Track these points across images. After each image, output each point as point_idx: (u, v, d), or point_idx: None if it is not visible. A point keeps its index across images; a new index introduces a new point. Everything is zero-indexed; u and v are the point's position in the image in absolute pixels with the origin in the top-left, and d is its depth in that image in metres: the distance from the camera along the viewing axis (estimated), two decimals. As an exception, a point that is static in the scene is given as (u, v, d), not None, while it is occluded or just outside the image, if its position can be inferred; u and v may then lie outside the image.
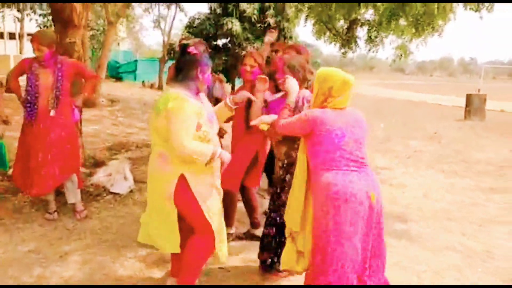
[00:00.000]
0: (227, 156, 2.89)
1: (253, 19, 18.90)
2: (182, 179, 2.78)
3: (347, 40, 7.11)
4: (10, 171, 4.79)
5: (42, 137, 4.21)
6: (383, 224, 2.87)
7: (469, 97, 15.12)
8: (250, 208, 4.29)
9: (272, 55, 5.01)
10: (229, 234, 4.46)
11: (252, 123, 3.31)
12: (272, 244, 3.45)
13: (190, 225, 2.93)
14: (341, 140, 2.72)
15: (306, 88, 3.41)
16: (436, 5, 5.23)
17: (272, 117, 3.20)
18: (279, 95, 3.55)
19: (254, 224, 4.31)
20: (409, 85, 45.98)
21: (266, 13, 18.72)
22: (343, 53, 7.44)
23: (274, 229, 3.43)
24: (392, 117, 15.09)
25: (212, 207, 2.87)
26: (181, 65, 2.84)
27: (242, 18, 18.78)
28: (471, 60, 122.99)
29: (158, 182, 2.83)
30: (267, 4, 18.52)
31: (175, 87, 2.79)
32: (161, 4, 22.38)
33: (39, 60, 4.20)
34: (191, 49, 2.79)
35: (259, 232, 4.02)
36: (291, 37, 19.65)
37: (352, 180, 2.67)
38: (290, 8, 18.37)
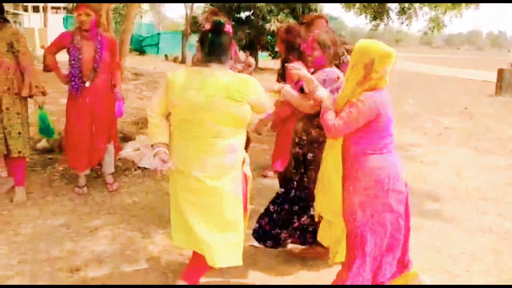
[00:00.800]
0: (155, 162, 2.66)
1: (277, -9, 18.49)
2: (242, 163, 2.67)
3: (378, 11, 6.83)
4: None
5: (89, 110, 4.21)
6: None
7: (500, 72, 14.59)
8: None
9: (301, 28, 4.85)
10: None
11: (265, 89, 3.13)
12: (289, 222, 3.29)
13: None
14: (391, 124, 2.61)
15: (338, 65, 3.25)
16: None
17: (281, 86, 3.07)
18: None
19: None
20: (436, 59, 44.85)
21: (291, -16, 18.28)
22: (374, 26, 7.17)
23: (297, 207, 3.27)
24: (420, 92, 14.70)
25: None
26: (219, 45, 2.53)
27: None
28: (500, 33, 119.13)
29: (231, 177, 2.56)
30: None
31: (223, 69, 2.54)
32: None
33: (82, 30, 4.12)
34: (227, 28, 2.58)
35: None
36: (315, 10, 19.19)
37: (396, 162, 2.61)
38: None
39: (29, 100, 4.13)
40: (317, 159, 3.14)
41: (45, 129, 4.25)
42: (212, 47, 2.52)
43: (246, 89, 2.48)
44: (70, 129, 4.32)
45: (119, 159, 5.08)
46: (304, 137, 3.20)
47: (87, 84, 4.13)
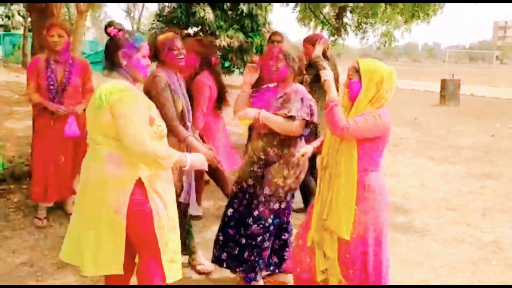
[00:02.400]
0: (200, 160, 2.51)
1: (225, 7, 18.51)
2: (139, 184, 2.31)
3: (336, 27, 6.91)
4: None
5: (59, 137, 3.94)
6: None
7: (443, 82, 15.25)
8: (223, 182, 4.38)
9: (274, 45, 4.79)
10: (197, 216, 4.36)
11: (236, 116, 3.04)
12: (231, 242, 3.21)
13: (133, 240, 2.43)
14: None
15: (301, 82, 3.21)
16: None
17: (256, 112, 2.96)
18: (271, 85, 3.24)
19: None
20: (377, 71, 46.47)
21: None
22: (332, 41, 7.25)
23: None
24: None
25: (164, 221, 2.40)
26: (105, 51, 2.38)
27: (214, 5, 18.35)
28: (435, 44, 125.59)
29: (107, 190, 2.28)
30: (239, -10, 18.15)
31: (112, 76, 2.35)
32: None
33: (55, 54, 3.89)
34: (110, 30, 2.34)
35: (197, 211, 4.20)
36: (264, 24, 19.37)
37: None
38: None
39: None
40: (271, 181, 3.06)
41: None
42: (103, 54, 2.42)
43: (109, 96, 2.23)
44: (38, 156, 4.03)
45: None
46: (263, 157, 3.11)
47: (69, 119, 3.92)
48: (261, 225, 3.04)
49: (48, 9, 4.99)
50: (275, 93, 3.09)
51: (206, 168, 2.61)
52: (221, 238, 3.25)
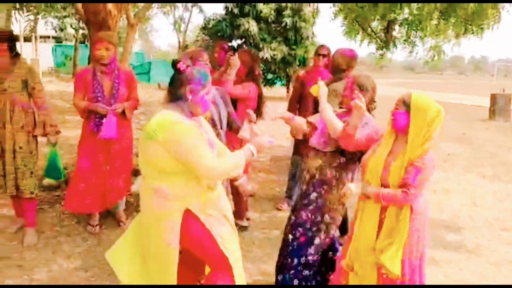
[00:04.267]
0: (263, 142, 2.59)
1: (269, 20, 18.68)
2: (188, 214, 2.40)
3: (385, 41, 6.83)
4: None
5: (105, 148, 4.03)
6: None
7: (493, 97, 14.77)
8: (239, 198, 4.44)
9: (319, 59, 4.81)
10: (243, 227, 4.41)
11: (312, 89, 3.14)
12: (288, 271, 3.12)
13: (204, 262, 2.62)
14: None
15: (369, 110, 3.17)
16: (490, 5, 4.97)
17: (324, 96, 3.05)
18: (340, 111, 3.23)
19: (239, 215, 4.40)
20: (421, 84, 45.42)
21: (283, 13, 18.48)
22: (380, 55, 7.16)
23: (289, 256, 3.12)
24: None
25: (225, 236, 2.50)
26: (170, 83, 2.47)
27: (258, 18, 18.55)
28: (482, 58, 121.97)
29: (157, 224, 2.40)
30: (283, 4, 18.28)
31: (170, 107, 2.41)
32: (181, 4, 22.22)
33: (102, 65, 3.96)
34: (180, 65, 2.43)
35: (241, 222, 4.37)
36: (307, 37, 19.40)
37: None
38: (306, 7, 18.25)
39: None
40: (320, 201, 3.04)
41: (54, 170, 4.09)
42: (168, 85, 2.49)
43: (160, 130, 2.28)
44: (82, 166, 4.11)
45: (130, 194, 4.88)
46: (317, 176, 3.07)
47: (108, 115, 3.94)
48: (322, 254, 3.04)
49: (105, 22, 5.17)
50: (342, 117, 3.04)
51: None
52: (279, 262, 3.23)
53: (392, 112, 2.59)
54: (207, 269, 2.72)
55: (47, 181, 5.12)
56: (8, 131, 3.74)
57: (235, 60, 3.90)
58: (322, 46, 5.10)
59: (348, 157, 2.99)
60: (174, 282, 2.46)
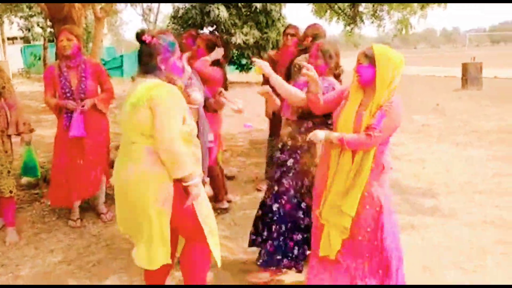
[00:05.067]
0: (198, 192, 2.47)
1: (239, 4, 18.57)
2: (176, 180, 2.42)
3: (351, 17, 6.89)
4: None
5: (80, 143, 4.03)
6: None
7: (465, 66, 15.03)
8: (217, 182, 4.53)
9: (287, 38, 4.85)
10: (224, 209, 4.52)
11: (256, 63, 3.05)
12: (277, 238, 3.16)
13: (182, 232, 2.66)
14: None
15: (336, 75, 3.23)
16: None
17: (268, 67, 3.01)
18: (302, 79, 3.28)
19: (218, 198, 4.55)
20: (396, 60, 45.91)
21: (253, -4, 18.38)
22: (348, 32, 7.23)
23: (277, 224, 3.17)
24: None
25: (204, 208, 2.56)
26: (139, 56, 2.50)
27: (228, 4, 18.43)
28: (454, 29, 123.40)
29: (151, 186, 2.39)
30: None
31: (147, 77, 2.45)
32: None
33: (66, 59, 3.94)
34: (145, 37, 2.45)
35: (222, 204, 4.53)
36: (278, 19, 19.38)
37: None
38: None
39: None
40: (297, 166, 3.12)
41: (30, 168, 4.10)
42: (138, 60, 2.52)
43: (147, 92, 2.35)
44: (58, 162, 4.13)
45: (109, 186, 4.89)
46: (289, 142, 3.16)
47: (74, 114, 3.95)
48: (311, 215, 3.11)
49: (69, 18, 5.13)
50: (305, 85, 3.06)
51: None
52: (260, 226, 3.29)
53: (355, 68, 2.63)
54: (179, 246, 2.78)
55: (25, 179, 5.11)
56: None
57: (220, 51, 4.17)
58: (289, 25, 5.14)
59: (316, 121, 3.06)
60: (168, 246, 2.47)
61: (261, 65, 3.01)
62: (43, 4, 6.57)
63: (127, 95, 2.49)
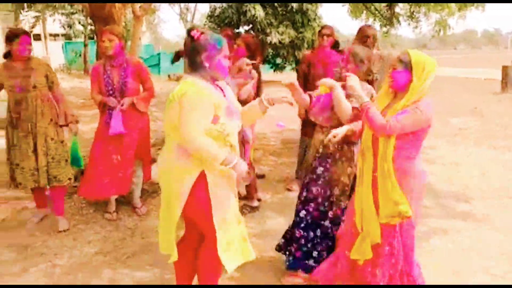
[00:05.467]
0: (242, 168, 2.51)
1: (275, 4, 18.60)
2: (202, 177, 2.48)
3: (388, 18, 6.84)
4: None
5: (119, 140, 4.17)
6: None
7: (505, 69, 14.62)
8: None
9: (323, 39, 4.88)
10: (254, 207, 4.57)
11: (320, 82, 3.01)
12: (304, 244, 3.20)
13: (198, 229, 2.69)
14: None
15: (370, 81, 3.24)
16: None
17: (335, 83, 2.98)
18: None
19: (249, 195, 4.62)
20: (435, 60, 44.89)
21: (289, -4, 18.39)
22: (384, 32, 7.18)
23: (304, 230, 3.21)
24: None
25: (223, 214, 2.55)
26: (186, 52, 2.54)
27: (264, 3, 18.49)
28: (495, 31, 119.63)
29: (174, 176, 2.50)
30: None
31: (192, 75, 2.51)
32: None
33: (109, 58, 4.12)
34: (193, 33, 2.48)
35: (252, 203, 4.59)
36: (314, 19, 19.31)
37: None
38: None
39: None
40: (327, 175, 3.13)
41: (76, 159, 4.24)
42: (185, 55, 2.57)
43: (180, 92, 2.41)
44: (94, 155, 4.28)
45: (146, 182, 5.03)
46: (320, 150, 3.18)
47: (114, 112, 4.11)
48: (337, 226, 3.14)
49: (110, 17, 5.31)
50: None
51: (245, 179, 2.64)
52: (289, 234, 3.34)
53: (390, 73, 2.65)
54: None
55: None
56: (40, 126, 3.93)
57: (253, 74, 4.27)
58: (324, 26, 5.16)
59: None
60: (173, 233, 2.58)
61: (326, 84, 2.98)
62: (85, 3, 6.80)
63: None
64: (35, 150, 3.95)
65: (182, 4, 23.74)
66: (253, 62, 4.25)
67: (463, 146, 7.48)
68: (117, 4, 5.35)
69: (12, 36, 3.84)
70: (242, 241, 2.68)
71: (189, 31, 2.52)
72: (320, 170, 3.18)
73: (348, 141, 3.09)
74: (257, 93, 4.40)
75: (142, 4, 11.08)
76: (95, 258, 3.65)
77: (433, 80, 2.59)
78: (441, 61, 44.80)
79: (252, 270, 3.37)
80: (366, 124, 2.67)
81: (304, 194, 3.23)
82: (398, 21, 6.89)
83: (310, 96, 3.28)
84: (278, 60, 21.07)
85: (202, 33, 2.49)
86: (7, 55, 3.97)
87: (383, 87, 2.76)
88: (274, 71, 21.71)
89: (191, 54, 2.50)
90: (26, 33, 3.96)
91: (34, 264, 3.54)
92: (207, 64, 2.48)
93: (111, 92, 4.12)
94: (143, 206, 4.57)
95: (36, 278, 3.35)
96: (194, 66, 2.51)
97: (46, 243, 3.89)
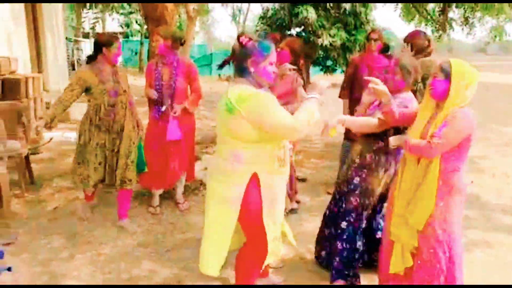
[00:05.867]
0: (320, 84, 2.60)
1: (328, 6, 18.47)
2: (254, 178, 2.56)
3: (441, 23, 6.68)
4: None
5: (164, 135, 4.34)
6: None
7: None
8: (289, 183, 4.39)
9: (371, 44, 4.85)
10: (293, 209, 4.60)
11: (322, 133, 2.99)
12: (346, 256, 3.22)
13: (244, 230, 2.73)
14: None
15: (413, 91, 3.19)
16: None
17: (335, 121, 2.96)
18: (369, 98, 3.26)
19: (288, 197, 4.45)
20: (494, 67, 43.01)
21: (342, -2, 18.21)
22: (438, 37, 7.00)
23: (346, 242, 3.22)
24: (480, 101, 14.12)
25: (273, 215, 2.65)
26: (234, 57, 2.60)
27: (317, 5, 18.41)
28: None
29: (228, 182, 2.58)
30: (342, -11, 18.01)
31: (239, 83, 2.55)
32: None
33: (161, 57, 4.32)
34: (242, 39, 2.53)
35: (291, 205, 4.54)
36: (367, 22, 19.02)
37: None
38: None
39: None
40: (363, 185, 3.13)
41: (141, 162, 4.32)
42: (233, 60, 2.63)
43: (241, 104, 2.42)
44: (147, 150, 4.47)
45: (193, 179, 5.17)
46: (357, 160, 3.18)
47: (163, 108, 4.28)
48: (380, 230, 3.18)
49: (162, 18, 5.51)
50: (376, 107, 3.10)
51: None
52: (319, 236, 3.44)
53: (430, 82, 2.64)
54: None
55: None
56: (127, 129, 4.05)
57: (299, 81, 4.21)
58: (373, 30, 5.13)
59: (386, 142, 3.03)
60: (227, 243, 2.64)
61: (333, 126, 2.94)
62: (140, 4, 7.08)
63: (224, 97, 2.58)
64: (117, 152, 4.05)
65: (235, 5, 24.02)
66: (294, 67, 4.25)
67: (515, 157, 7.19)
68: (169, 6, 5.54)
69: (110, 41, 3.89)
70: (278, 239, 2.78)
71: (238, 37, 2.60)
72: (356, 180, 3.19)
73: (386, 151, 3.08)
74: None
75: (195, 5, 11.34)
76: (137, 249, 3.83)
77: (475, 91, 2.58)
78: (501, 67, 42.75)
79: (290, 273, 3.45)
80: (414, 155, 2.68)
81: (343, 205, 3.24)
82: (451, 27, 6.70)
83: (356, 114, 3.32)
84: (329, 63, 20.93)
85: (250, 39, 2.56)
86: (92, 59, 3.98)
87: (424, 97, 2.75)
88: (324, 73, 21.57)
89: (239, 59, 2.57)
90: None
91: (81, 251, 3.76)
92: (252, 70, 2.52)
93: (158, 88, 4.30)
94: (185, 202, 4.73)
95: (82, 265, 3.55)
96: (241, 71, 2.57)
97: (92, 233, 4.11)
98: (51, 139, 6.73)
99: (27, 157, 5.22)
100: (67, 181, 5.27)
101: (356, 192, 3.17)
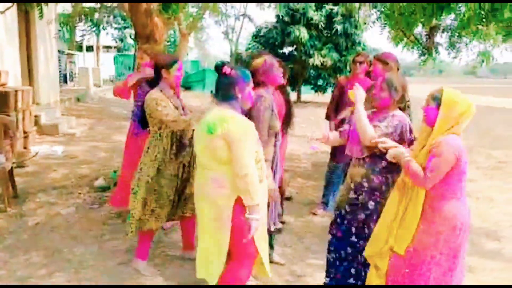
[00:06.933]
0: (255, 226, 2.66)
1: (320, 26, 18.74)
2: (239, 202, 2.68)
3: (427, 47, 6.79)
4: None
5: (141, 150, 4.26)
6: None
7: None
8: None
9: (356, 66, 4.91)
10: (277, 230, 4.46)
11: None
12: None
13: (233, 250, 2.80)
14: (467, 167, 2.65)
15: (401, 109, 3.20)
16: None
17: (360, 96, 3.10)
18: (369, 112, 3.27)
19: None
20: (483, 89, 43.60)
21: (334, 19, 18.50)
22: (423, 61, 7.12)
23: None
24: (469, 124, 14.27)
25: (260, 232, 2.81)
26: (218, 85, 2.78)
27: (309, 25, 18.67)
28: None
29: (213, 207, 2.73)
30: (334, 10, 18.32)
31: (223, 106, 2.73)
32: (232, 14, 22.80)
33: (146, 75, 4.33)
34: (225, 69, 2.76)
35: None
36: (359, 43, 19.31)
37: (468, 207, 2.70)
38: (356, 13, 18.16)
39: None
40: (380, 208, 3.02)
41: None
42: (215, 87, 2.81)
43: (222, 123, 2.60)
44: (126, 164, 4.46)
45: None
46: (365, 184, 3.07)
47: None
48: None
49: (151, 36, 5.54)
50: (371, 119, 3.07)
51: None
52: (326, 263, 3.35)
53: (423, 108, 2.71)
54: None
55: (98, 182, 5.53)
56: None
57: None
58: (358, 54, 5.20)
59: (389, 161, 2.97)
60: (223, 259, 2.78)
61: (355, 93, 3.12)
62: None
63: (204, 117, 2.74)
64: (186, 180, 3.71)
65: (228, 23, 24.34)
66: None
67: (501, 180, 7.25)
68: (159, 24, 5.58)
69: (169, 62, 3.58)
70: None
71: (219, 68, 2.78)
72: (371, 204, 3.06)
73: (391, 169, 3.02)
74: (287, 117, 4.31)
75: (188, 22, 11.40)
76: (117, 268, 3.78)
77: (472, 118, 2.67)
78: (490, 90, 43.31)
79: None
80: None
81: (366, 231, 3.10)
82: (437, 51, 6.82)
83: (341, 132, 3.36)
84: (320, 82, 21.16)
85: (231, 68, 2.77)
86: (155, 83, 3.66)
87: (421, 123, 2.80)
88: (315, 92, 21.78)
89: (224, 88, 2.75)
90: None
91: (60, 269, 3.71)
92: (239, 96, 2.75)
93: (141, 104, 4.28)
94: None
95: (60, 283, 3.50)
96: (226, 98, 2.74)
97: (72, 250, 4.06)
98: (36, 153, 6.70)
99: (11, 171, 5.19)
100: (50, 196, 5.23)
101: (374, 217, 3.05)
